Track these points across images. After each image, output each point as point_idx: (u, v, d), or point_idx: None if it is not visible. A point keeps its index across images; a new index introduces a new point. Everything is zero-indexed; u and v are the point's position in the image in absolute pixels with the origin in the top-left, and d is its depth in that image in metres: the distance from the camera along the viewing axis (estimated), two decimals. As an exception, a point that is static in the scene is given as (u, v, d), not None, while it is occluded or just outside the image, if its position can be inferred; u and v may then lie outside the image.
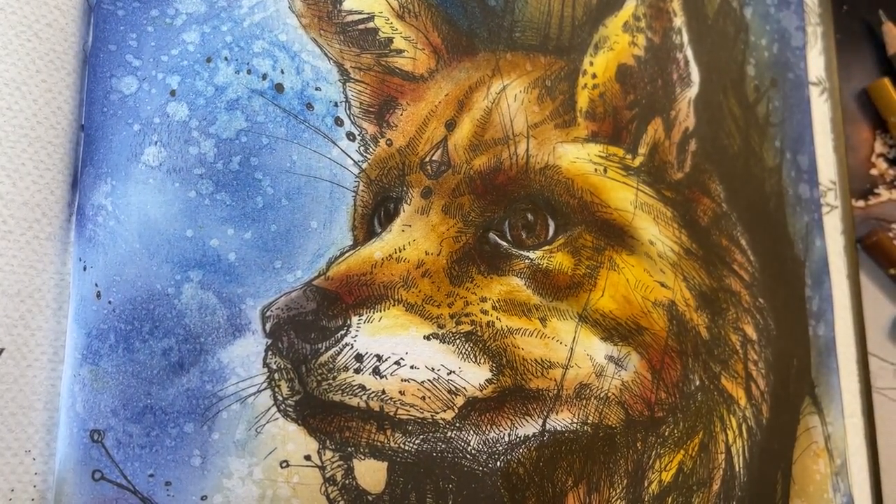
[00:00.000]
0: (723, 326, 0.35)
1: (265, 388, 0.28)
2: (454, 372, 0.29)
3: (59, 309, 0.29)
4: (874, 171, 0.45)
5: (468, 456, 0.29)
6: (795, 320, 0.38)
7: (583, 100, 0.33)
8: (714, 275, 0.35)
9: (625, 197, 0.33)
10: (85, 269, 0.28)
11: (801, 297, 0.39)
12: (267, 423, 0.28)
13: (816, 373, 0.39)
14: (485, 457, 0.29)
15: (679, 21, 0.37)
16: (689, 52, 0.37)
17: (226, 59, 0.29)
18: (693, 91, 0.37)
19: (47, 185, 0.29)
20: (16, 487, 0.27)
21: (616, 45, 0.35)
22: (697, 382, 0.34)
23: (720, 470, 0.34)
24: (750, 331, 0.36)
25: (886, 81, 0.45)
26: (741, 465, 0.35)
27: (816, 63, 0.42)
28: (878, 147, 0.46)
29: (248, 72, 0.29)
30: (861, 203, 0.45)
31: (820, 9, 0.43)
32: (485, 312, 0.30)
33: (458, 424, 0.29)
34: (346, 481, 0.28)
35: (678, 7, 0.37)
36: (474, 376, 0.29)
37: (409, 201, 0.30)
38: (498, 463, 0.29)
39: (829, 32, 0.43)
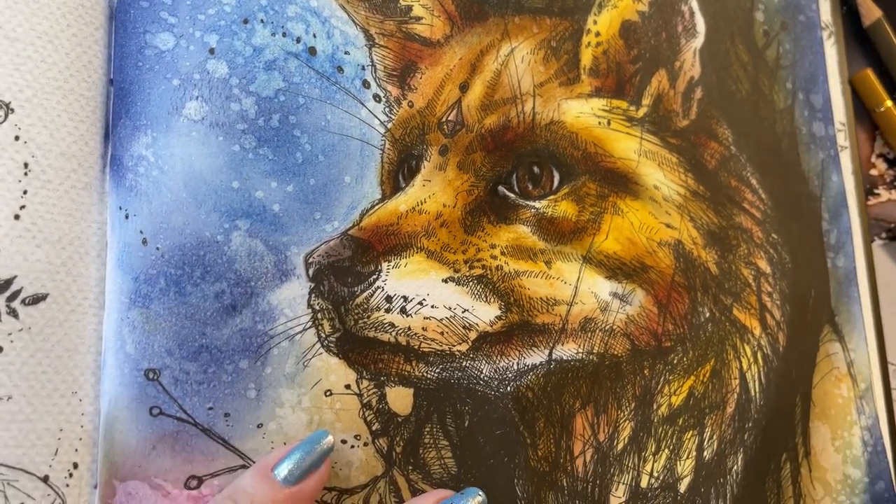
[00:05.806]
0: (733, 262, 0.37)
1: (310, 327, 0.31)
2: (468, 310, 0.33)
3: (99, 256, 0.30)
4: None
5: (481, 382, 0.33)
6: (812, 253, 0.40)
7: (586, 58, 0.36)
8: (723, 214, 0.37)
9: (628, 146, 0.35)
10: (127, 217, 0.29)
11: (817, 231, 0.40)
12: (313, 357, 0.30)
13: (836, 302, 0.40)
14: (496, 383, 0.33)
15: None
16: (695, 3, 0.38)
17: (262, 21, 0.31)
18: (698, 41, 0.38)
19: (82, 136, 0.30)
20: (64, 427, 0.29)
21: (620, 3, 0.36)
22: (707, 314, 0.36)
23: (734, 394, 0.36)
24: (763, 265, 0.38)
25: (869, 72, 0.44)
26: (757, 390, 0.37)
27: (823, 7, 0.42)
28: (878, 147, 0.45)
29: (284, 34, 0.31)
30: (860, 203, 0.44)
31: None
32: (494, 258, 0.33)
33: (471, 355, 0.33)
34: (380, 406, 0.32)
35: None
36: (485, 313, 0.33)
37: (428, 158, 0.33)
38: (508, 388, 0.33)
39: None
